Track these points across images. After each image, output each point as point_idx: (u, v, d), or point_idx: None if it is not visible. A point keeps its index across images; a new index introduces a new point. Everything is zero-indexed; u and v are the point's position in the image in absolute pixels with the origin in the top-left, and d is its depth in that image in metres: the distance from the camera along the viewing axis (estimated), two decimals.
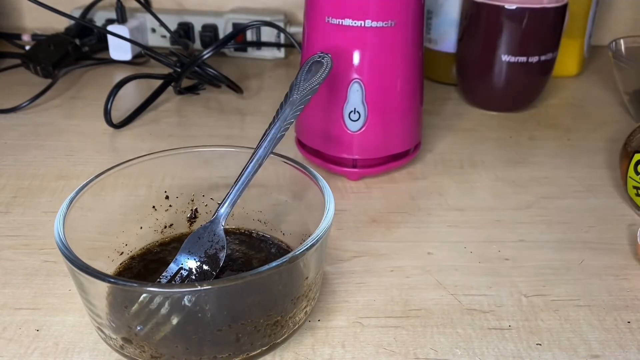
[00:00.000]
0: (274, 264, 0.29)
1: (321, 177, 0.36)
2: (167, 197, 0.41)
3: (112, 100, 0.59)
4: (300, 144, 0.52)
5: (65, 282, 0.39)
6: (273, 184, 0.40)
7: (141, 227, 0.40)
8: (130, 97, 0.66)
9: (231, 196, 0.37)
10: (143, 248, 0.40)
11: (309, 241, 0.31)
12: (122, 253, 0.39)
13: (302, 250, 0.30)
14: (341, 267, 0.41)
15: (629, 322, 0.36)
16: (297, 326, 0.33)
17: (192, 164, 0.41)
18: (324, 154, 0.50)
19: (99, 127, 0.58)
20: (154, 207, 0.40)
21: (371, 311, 0.37)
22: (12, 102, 0.63)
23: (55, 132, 0.59)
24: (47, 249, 0.42)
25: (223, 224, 0.37)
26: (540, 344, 0.34)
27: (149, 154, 0.39)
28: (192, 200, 0.42)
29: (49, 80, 0.67)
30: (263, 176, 0.38)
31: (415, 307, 0.37)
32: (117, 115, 0.60)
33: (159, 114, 0.63)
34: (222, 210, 0.37)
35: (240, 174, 0.37)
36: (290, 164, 0.38)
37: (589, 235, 0.44)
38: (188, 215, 0.42)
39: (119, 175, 0.38)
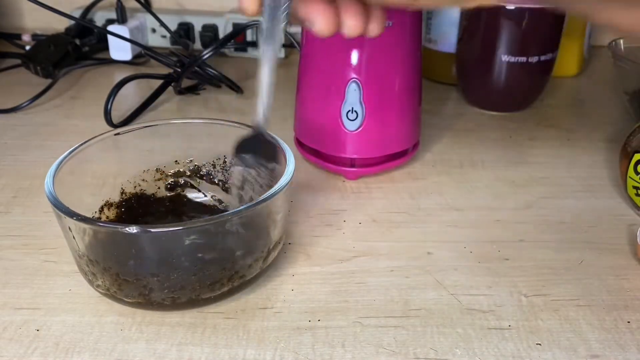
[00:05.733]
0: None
1: (282, 142, 0.40)
2: (157, 170, 0.45)
3: (112, 100, 0.59)
4: (299, 143, 0.52)
5: (65, 282, 0.39)
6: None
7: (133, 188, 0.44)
8: (130, 97, 0.66)
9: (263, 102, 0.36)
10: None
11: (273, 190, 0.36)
12: (113, 205, 0.43)
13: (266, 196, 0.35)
14: (341, 267, 0.41)
15: (628, 322, 0.36)
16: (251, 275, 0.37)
17: (184, 135, 0.43)
18: (322, 153, 0.50)
19: (99, 127, 0.58)
20: (143, 170, 0.44)
21: (371, 311, 0.37)
22: (12, 102, 0.63)
23: (55, 132, 0.59)
24: (47, 249, 0.42)
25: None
26: (540, 344, 0.34)
27: (143, 123, 0.44)
28: (181, 169, 0.45)
29: (49, 80, 0.67)
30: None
31: (415, 307, 0.37)
32: (117, 115, 0.60)
33: (159, 114, 0.63)
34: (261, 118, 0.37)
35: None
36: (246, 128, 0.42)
37: (589, 235, 0.44)
38: (171, 181, 0.45)
39: (110, 142, 0.42)
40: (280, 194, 0.36)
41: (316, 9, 0.32)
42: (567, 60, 0.73)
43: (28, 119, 0.61)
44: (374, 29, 0.34)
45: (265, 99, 0.36)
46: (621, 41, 0.65)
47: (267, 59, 0.34)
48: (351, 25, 0.33)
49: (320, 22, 0.33)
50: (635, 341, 0.35)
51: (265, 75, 0.35)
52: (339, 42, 0.46)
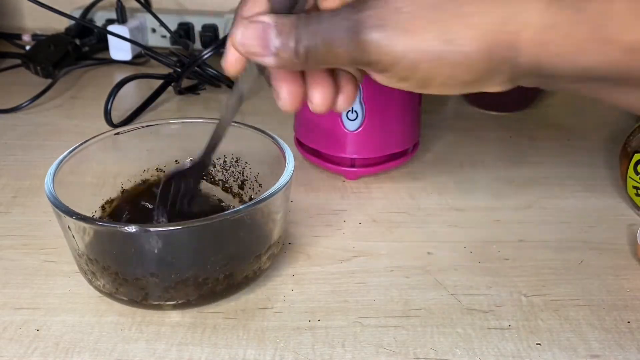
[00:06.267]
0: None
1: (282, 142, 0.40)
2: (157, 170, 0.45)
3: (112, 100, 0.59)
4: (299, 143, 0.52)
5: (65, 282, 0.39)
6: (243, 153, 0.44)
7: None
8: (130, 97, 0.66)
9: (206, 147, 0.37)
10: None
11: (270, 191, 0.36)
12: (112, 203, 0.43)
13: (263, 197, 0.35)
14: (341, 267, 0.41)
15: (628, 322, 0.36)
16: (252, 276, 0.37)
17: (184, 135, 0.43)
18: (322, 153, 0.50)
19: (99, 127, 0.58)
20: (142, 170, 0.44)
21: (371, 311, 0.37)
22: (12, 102, 0.63)
23: (55, 132, 0.59)
24: (47, 249, 0.42)
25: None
26: (540, 344, 0.34)
27: (143, 123, 0.44)
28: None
29: (49, 80, 0.67)
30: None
31: (415, 307, 0.37)
32: (117, 115, 0.60)
33: (159, 114, 0.63)
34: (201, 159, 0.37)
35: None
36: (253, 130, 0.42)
37: (589, 235, 0.44)
38: None
39: (110, 142, 0.42)
40: (279, 194, 0.36)
41: (282, 82, 0.31)
42: None
43: (28, 119, 0.61)
44: (343, 104, 0.32)
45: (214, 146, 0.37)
46: None
47: (231, 114, 0.35)
48: (318, 101, 0.31)
49: (284, 95, 0.31)
50: (635, 341, 0.35)
51: (223, 128, 0.36)
52: None
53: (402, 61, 0.27)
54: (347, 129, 0.48)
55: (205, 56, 0.62)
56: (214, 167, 0.45)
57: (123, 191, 0.43)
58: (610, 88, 0.28)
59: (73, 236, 0.34)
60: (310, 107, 0.32)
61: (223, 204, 0.45)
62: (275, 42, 0.28)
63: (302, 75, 0.31)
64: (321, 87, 0.31)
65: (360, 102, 0.47)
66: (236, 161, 0.44)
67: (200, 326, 0.36)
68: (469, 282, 0.39)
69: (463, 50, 0.26)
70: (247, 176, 0.44)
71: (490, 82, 0.28)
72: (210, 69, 0.65)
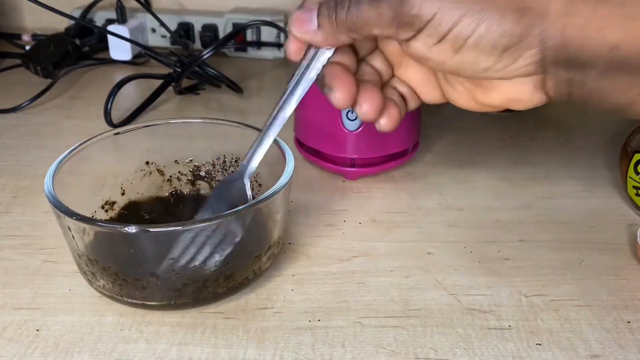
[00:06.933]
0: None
1: (282, 142, 0.40)
2: (160, 171, 0.45)
3: (112, 100, 0.59)
4: (299, 143, 0.52)
5: (65, 282, 0.39)
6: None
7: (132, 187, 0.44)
8: (130, 97, 0.66)
9: (259, 148, 0.37)
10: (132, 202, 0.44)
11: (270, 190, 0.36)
12: (114, 204, 0.43)
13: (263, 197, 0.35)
14: (341, 267, 0.41)
15: (628, 322, 0.36)
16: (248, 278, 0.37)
17: (184, 135, 0.43)
18: (322, 153, 0.50)
19: (99, 127, 0.58)
20: (142, 170, 0.44)
21: (371, 311, 0.37)
22: (12, 102, 0.63)
23: (55, 132, 0.59)
24: (47, 249, 0.42)
25: (249, 178, 0.38)
26: (540, 344, 0.34)
27: (143, 123, 0.44)
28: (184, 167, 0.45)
29: (49, 80, 0.67)
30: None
31: (415, 307, 0.37)
32: (117, 115, 0.60)
33: (159, 114, 0.63)
34: (250, 164, 0.38)
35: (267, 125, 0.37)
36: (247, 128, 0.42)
37: (589, 235, 0.44)
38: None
39: (110, 142, 0.42)
40: (279, 194, 0.36)
41: (341, 80, 0.34)
42: None
43: (28, 119, 0.61)
44: (385, 124, 0.35)
45: (266, 144, 0.37)
46: None
47: (286, 105, 0.36)
48: (365, 110, 0.35)
49: (339, 92, 0.34)
50: (635, 341, 0.35)
51: (282, 116, 0.36)
52: None
53: (439, 14, 0.29)
54: (347, 129, 0.48)
55: (205, 56, 0.62)
56: (214, 167, 0.45)
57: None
58: None
59: (73, 237, 0.34)
60: (357, 112, 0.35)
61: None
62: (317, 18, 0.32)
63: (356, 82, 0.34)
64: (370, 97, 0.34)
65: None
66: (236, 161, 0.44)
67: (200, 326, 0.36)
68: (469, 282, 0.39)
69: (497, 5, 0.29)
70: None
71: (520, 55, 0.30)
72: (210, 69, 0.65)
